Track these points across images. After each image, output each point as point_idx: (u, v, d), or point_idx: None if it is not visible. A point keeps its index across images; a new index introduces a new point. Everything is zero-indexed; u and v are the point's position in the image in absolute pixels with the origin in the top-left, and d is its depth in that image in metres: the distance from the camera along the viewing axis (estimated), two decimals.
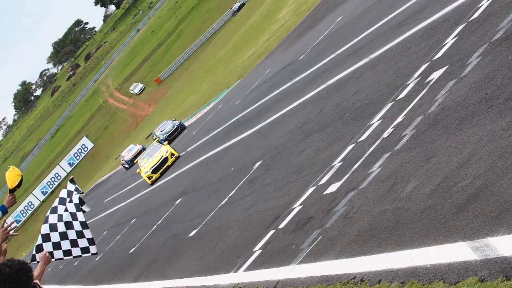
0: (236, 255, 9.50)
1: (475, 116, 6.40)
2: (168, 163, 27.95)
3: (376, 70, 11.32)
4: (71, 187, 6.97)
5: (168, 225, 16.83)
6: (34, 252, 6.47)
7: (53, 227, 6.67)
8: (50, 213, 6.75)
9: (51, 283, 25.90)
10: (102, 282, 17.76)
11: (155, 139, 37.89)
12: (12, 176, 6.71)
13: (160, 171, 27.96)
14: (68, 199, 6.80)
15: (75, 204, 6.78)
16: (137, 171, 30.02)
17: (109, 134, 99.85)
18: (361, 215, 6.68)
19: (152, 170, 28.06)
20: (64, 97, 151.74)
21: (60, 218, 6.71)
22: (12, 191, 6.65)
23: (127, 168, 48.96)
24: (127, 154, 48.73)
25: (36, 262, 6.09)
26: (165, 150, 28.64)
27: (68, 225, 6.68)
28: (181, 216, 16.35)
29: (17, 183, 6.67)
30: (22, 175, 6.75)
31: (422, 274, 4.89)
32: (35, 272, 4.92)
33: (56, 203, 6.83)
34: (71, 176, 7.34)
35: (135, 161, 36.35)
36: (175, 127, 38.62)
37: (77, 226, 6.72)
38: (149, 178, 28.19)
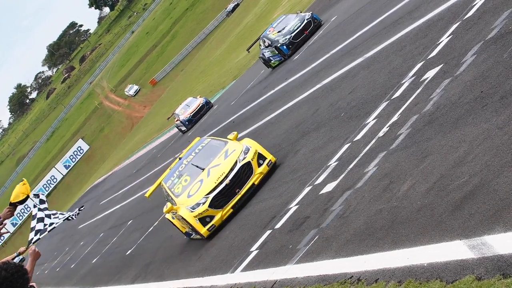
0: (232, 255, 9.49)
1: (470, 115, 6.40)
2: (254, 179, 11.34)
3: (371, 69, 11.32)
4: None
5: (165, 226, 16.78)
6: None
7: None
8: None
9: (49, 286, 25.85)
10: (100, 284, 17.72)
11: (275, 45, 22.27)
12: (19, 191, 6.74)
13: (236, 199, 11.27)
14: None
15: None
16: (165, 210, 12.16)
17: (104, 136, 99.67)
18: (358, 214, 6.67)
19: (212, 200, 11.23)
20: (59, 100, 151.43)
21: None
22: (12, 204, 6.66)
23: (183, 132, 34.71)
24: (183, 111, 34.81)
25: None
26: (239, 149, 11.75)
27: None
28: None
29: (20, 199, 6.70)
30: (28, 195, 6.77)
31: (419, 273, 4.88)
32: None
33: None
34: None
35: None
36: (306, 21, 21.75)
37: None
38: (203, 222, 11.32)
